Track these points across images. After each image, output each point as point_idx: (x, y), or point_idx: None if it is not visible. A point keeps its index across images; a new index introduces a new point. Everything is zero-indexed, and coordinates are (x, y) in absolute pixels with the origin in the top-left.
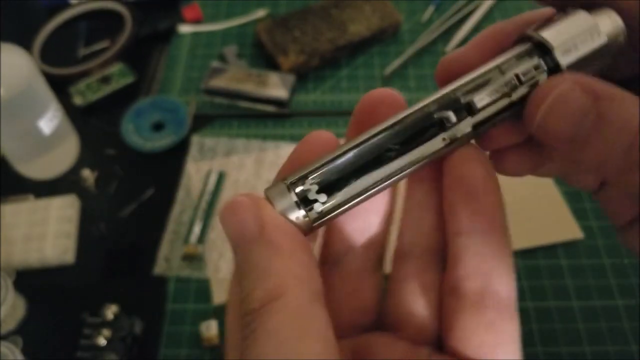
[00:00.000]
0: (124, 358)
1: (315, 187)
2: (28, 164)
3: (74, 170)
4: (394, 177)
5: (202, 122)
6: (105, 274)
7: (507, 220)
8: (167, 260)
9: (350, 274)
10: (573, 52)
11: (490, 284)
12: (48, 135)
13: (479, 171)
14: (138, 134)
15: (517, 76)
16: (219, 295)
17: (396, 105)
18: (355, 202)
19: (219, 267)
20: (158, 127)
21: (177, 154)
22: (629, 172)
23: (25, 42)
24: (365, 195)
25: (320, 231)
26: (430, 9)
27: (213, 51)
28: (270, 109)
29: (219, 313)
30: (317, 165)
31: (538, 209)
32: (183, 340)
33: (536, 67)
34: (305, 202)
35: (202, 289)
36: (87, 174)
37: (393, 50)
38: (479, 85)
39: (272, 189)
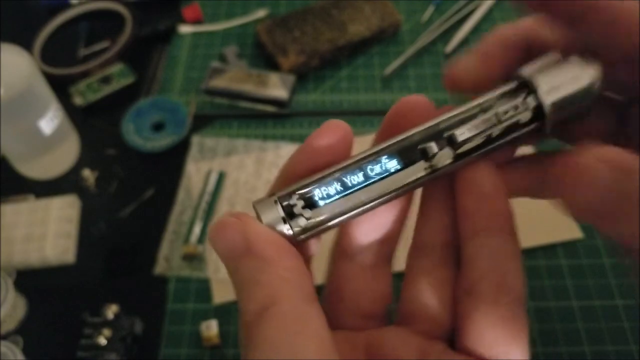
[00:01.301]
0: (125, 358)
1: (301, 203)
2: (28, 164)
3: (75, 170)
4: (377, 200)
5: (202, 122)
6: (105, 274)
7: (516, 222)
8: (167, 260)
9: (365, 268)
10: (556, 92)
11: (505, 283)
12: (48, 135)
13: (489, 177)
14: (138, 134)
15: (496, 115)
16: (219, 295)
17: (427, 112)
18: (340, 220)
19: (219, 267)
20: (158, 127)
21: (178, 154)
22: None
23: (25, 42)
24: (350, 215)
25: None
26: (430, 9)
27: (213, 51)
28: (270, 109)
29: (219, 313)
30: (305, 182)
31: (538, 209)
32: (183, 340)
33: (516, 107)
34: (291, 216)
35: (202, 288)
36: (88, 174)
37: (393, 51)
38: (462, 120)
39: (260, 203)
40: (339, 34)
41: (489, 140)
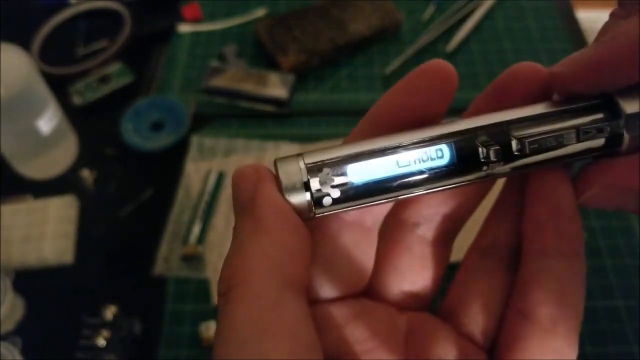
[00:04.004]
0: (124, 359)
1: (332, 181)
2: (27, 164)
3: (73, 170)
4: (416, 193)
5: (201, 121)
6: (104, 275)
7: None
8: (166, 260)
9: (425, 242)
10: None
11: (564, 312)
12: (47, 135)
13: (567, 194)
14: (137, 133)
15: (576, 130)
16: None
17: (539, 84)
18: (369, 205)
19: (219, 267)
20: (157, 126)
21: (177, 153)
22: None
23: (24, 42)
24: (381, 202)
25: None
26: (431, 8)
27: (212, 50)
28: (270, 108)
29: None
30: (343, 154)
31: None
32: (183, 340)
33: (600, 130)
34: (314, 190)
35: (202, 289)
36: (86, 174)
37: (393, 50)
38: (534, 125)
39: (284, 163)
40: (339, 33)
41: (559, 157)
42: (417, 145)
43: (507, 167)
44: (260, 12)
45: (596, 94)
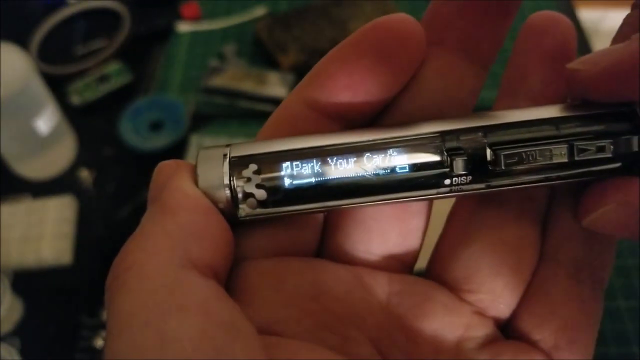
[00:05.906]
0: None
1: (259, 179)
2: (25, 164)
3: (72, 171)
4: (361, 203)
5: (201, 121)
6: (103, 275)
7: None
8: None
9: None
10: None
11: (590, 256)
12: (45, 134)
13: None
14: (136, 133)
15: (570, 146)
16: None
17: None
18: (307, 212)
19: None
20: (156, 126)
21: (176, 153)
22: None
23: (22, 41)
24: (320, 210)
25: None
26: None
27: (212, 50)
28: (269, 108)
29: None
30: (278, 149)
31: None
32: None
33: (600, 149)
34: (238, 192)
35: None
36: (85, 174)
37: None
38: (517, 134)
39: (206, 154)
40: (339, 32)
41: (545, 178)
42: (368, 145)
43: (477, 184)
44: (260, 11)
45: (614, 103)
